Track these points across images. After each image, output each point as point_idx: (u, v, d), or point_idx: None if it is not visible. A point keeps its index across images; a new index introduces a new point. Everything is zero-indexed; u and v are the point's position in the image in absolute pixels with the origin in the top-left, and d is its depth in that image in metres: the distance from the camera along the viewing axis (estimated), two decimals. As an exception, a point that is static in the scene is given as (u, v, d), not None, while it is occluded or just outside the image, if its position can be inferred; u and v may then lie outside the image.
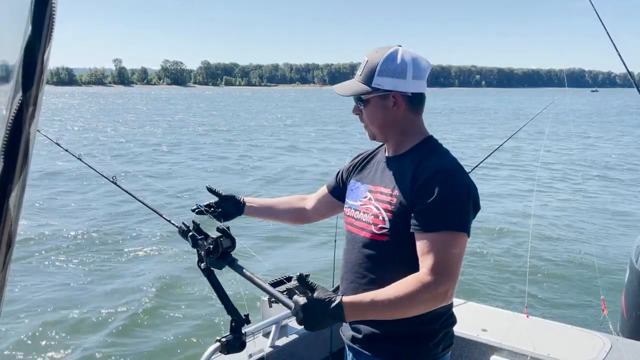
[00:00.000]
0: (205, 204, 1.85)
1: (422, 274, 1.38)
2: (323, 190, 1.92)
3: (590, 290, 6.28)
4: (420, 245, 1.42)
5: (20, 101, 0.47)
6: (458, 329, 1.72)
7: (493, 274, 6.85)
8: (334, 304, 1.28)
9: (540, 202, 10.70)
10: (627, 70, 2.82)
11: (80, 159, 2.29)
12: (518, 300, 5.64)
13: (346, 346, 1.70)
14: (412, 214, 1.45)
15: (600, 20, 2.41)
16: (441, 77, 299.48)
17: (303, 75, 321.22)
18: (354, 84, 1.58)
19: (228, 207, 1.85)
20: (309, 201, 1.96)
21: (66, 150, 2.42)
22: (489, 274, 6.86)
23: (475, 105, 71.28)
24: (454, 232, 1.41)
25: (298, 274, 1.32)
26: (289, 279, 2.57)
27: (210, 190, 1.86)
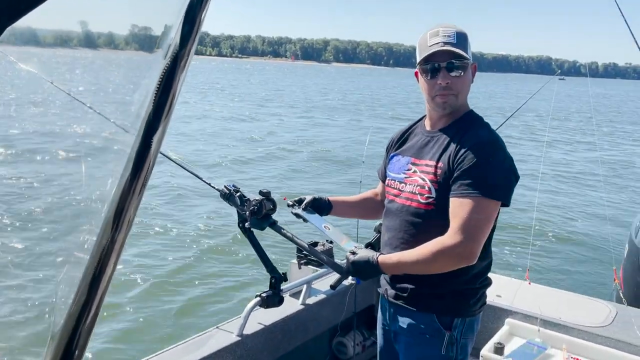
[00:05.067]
0: (298, 199, 1.84)
1: (445, 237, 1.49)
2: (380, 183, 1.97)
3: (588, 260, 6.64)
4: (451, 210, 1.52)
5: (175, 53, 0.50)
6: None
7: (496, 241, 6.97)
8: (373, 261, 1.54)
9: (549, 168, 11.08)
10: None
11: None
12: (518, 267, 5.89)
13: (385, 305, 1.80)
14: (450, 181, 1.54)
15: (618, 7, 2.49)
16: (413, 59, 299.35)
17: (275, 48, 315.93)
18: (458, 51, 1.55)
19: (319, 209, 1.85)
20: (380, 194, 1.98)
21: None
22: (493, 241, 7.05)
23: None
24: (482, 197, 1.47)
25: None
26: (315, 244, 2.66)
27: (294, 205, 1.83)
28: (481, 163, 1.50)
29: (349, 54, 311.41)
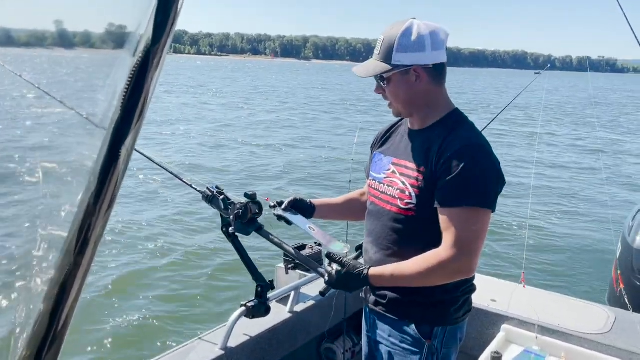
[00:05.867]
0: (280, 201, 1.78)
1: (441, 250, 1.44)
2: (367, 182, 1.91)
3: (583, 261, 6.62)
4: (442, 221, 1.45)
5: (147, 48, 0.43)
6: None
7: (489, 244, 7.01)
8: (362, 275, 1.49)
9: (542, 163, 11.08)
10: None
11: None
12: (513, 270, 5.84)
13: (367, 310, 1.75)
14: (436, 190, 1.46)
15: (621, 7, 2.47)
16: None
17: (255, 46, 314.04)
18: (373, 64, 1.56)
19: (302, 210, 1.81)
20: (366, 195, 1.91)
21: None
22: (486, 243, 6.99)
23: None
24: (475, 207, 1.42)
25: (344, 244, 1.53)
26: (302, 247, 2.58)
27: (273, 207, 1.78)
28: (468, 170, 1.42)
29: (328, 50, 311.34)
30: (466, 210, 1.42)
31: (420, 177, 1.51)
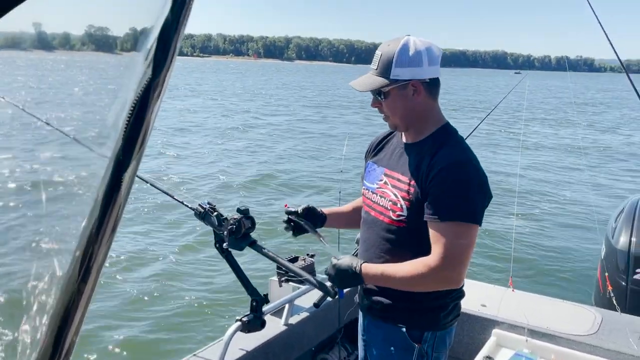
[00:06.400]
0: (294, 209, 1.85)
1: (430, 259, 1.49)
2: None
3: (570, 262, 6.69)
4: (432, 233, 1.51)
5: (148, 81, 0.44)
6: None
7: (476, 248, 6.93)
8: (356, 268, 1.55)
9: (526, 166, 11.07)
10: (618, 57, 3.00)
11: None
12: (501, 274, 5.88)
13: (361, 315, 1.82)
14: (426, 203, 1.52)
15: (592, 10, 2.54)
16: (373, 55, 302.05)
17: (237, 47, 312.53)
18: (372, 79, 1.60)
19: (314, 218, 1.87)
20: None
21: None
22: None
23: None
24: (463, 222, 1.49)
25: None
26: (295, 259, 2.58)
27: (290, 212, 1.85)
28: (457, 187, 1.49)
29: (311, 51, 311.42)
30: (455, 225, 1.49)
31: (412, 190, 1.56)
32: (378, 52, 1.60)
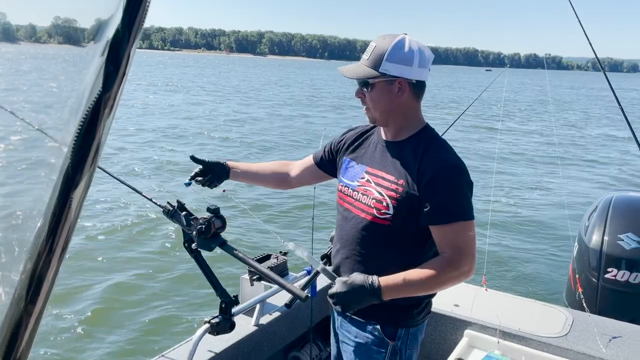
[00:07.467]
0: (191, 175, 1.85)
1: (448, 256, 1.53)
2: (309, 160, 1.98)
3: (543, 261, 6.78)
4: (441, 234, 1.55)
5: (99, 94, 0.42)
6: (433, 304, 1.82)
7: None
8: (373, 286, 1.48)
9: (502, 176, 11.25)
10: (596, 56, 3.05)
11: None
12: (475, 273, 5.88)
13: (334, 314, 1.81)
14: (426, 209, 1.54)
15: (575, 11, 2.58)
16: (347, 51, 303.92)
17: (209, 40, 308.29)
18: (362, 68, 1.60)
19: (217, 171, 1.90)
20: (294, 169, 2.02)
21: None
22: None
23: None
24: (466, 221, 1.55)
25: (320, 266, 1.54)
26: (267, 257, 2.54)
27: (194, 159, 1.87)
28: (453, 191, 1.54)
29: (284, 46, 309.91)
30: (461, 223, 1.54)
31: (400, 190, 1.58)
32: (372, 44, 1.61)
